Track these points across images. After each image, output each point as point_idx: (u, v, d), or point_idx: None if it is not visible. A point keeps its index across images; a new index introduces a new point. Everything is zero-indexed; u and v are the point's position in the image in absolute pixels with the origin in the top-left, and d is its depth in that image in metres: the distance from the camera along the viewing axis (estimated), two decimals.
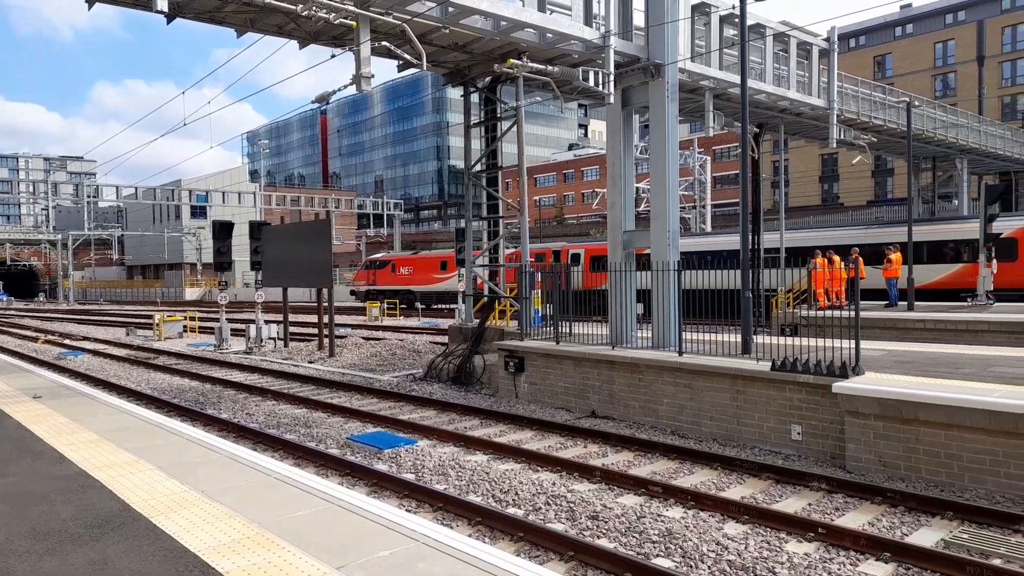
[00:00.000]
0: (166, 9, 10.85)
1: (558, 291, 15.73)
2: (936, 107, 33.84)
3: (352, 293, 50.77)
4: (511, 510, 8.42)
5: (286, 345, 25.71)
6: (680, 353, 13.10)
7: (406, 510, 8.51)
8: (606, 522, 7.87)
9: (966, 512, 7.98)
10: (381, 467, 10.32)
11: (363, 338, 26.79)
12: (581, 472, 9.93)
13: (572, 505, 8.41)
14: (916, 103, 27.18)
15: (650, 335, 14.76)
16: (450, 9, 13.14)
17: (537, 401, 15.20)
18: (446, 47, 15.66)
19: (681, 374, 12.56)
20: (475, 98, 19.16)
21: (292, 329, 29.82)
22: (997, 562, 6.68)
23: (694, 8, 17.17)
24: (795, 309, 21.78)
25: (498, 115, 18.31)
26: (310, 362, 22.51)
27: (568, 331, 15.95)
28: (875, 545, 7.10)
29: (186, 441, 8.33)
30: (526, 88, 17.22)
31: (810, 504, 8.60)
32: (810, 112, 22.81)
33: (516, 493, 8.94)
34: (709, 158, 45.76)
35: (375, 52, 13.03)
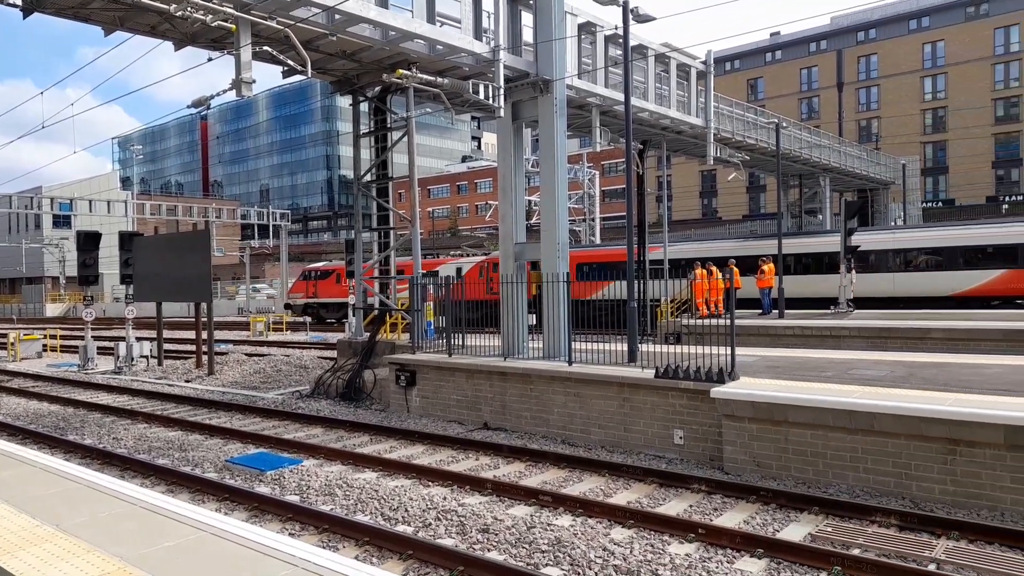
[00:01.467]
0: (20, 3, 9.98)
1: (451, 303, 15.67)
2: (802, 128, 36.47)
3: (287, 307, 45.97)
4: (400, 528, 8.25)
5: (160, 363, 24.18)
6: (570, 363, 13.34)
7: (289, 534, 8.17)
8: (497, 534, 7.85)
9: (830, 507, 8.54)
10: (263, 490, 9.86)
11: (246, 354, 25.64)
12: (472, 485, 9.88)
13: (463, 519, 8.34)
14: (784, 124, 29.15)
15: (542, 345, 14.95)
16: (337, 16, 12.88)
17: (429, 415, 15.03)
18: (334, 55, 15.33)
19: (571, 383, 12.79)
20: (365, 107, 18.85)
21: (168, 346, 28.10)
22: (856, 552, 7.18)
23: (581, 27, 17.68)
24: (678, 318, 22.71)
25: (388, 125, 18.09)
26: (187, 381, 21.27)
27: (461, 343, 15.92)
28: (750, 542, 7.46)
29: (41, 471, 7.61)
30: (417, 99, 17.12)
31: (691, 506, 8.94)
32: (689, 130, 23.97)
33: (406, 510, 8.77)
34: (598, 172, 47.15)
35: (257, 57, 12.55)
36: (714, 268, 23.23)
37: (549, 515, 8.67)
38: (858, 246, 26.04)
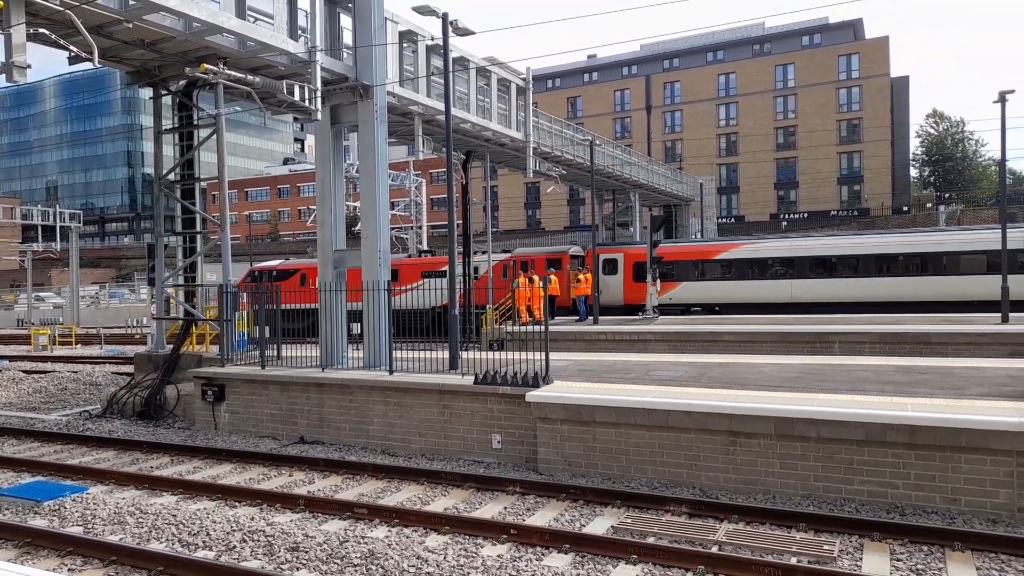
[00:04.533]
0: None
1: (263, 311, 14.92)
2: (615, 147, 38.96)
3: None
4: (201, 553, 7.70)
5: None
6: (391, 372, 13.21)
7: (68, 569, 7.35)
8: (307, 552, 7.57)
9: (631, 499, 9.16)
10: (38, 523, 8.76)
11: (24, 371, 22.71)
12: (284, 503, 9.46)
13: (271, 539, 7.95)
14: (599, 142, 30.95)
15: (363, 355, 14.67)
16: (131, 2, 11.83)
17: (240, 431, 14.18)
18: (130, 43, 14.05)
19: (391, 392, 12.66)
20: (169, 101, 17.47)
21: None
22: (652, 540, 7.76)
23: (402, 35, 17.63)
24: (501, 325, 23.29)
25: (195, 122, 16.89)
26: None
27: (276, 354, 15.21)
28: (558, 538, 7.81)
29: None
30: (228, 96, 16.14)
31: (506, 508, 9.18)
32: (511, 143, 24.73)
33: (208, 534, 8.19)
34: (425, 180, 47.23)
35: (35, 39, 11.20)
36: (535, 276, 24.10)
37: (364, 528, 8.51)
38: (661, 257, 28.25)
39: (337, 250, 15.44)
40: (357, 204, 34.27)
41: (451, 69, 15.26)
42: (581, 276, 25.94)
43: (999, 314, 19.50)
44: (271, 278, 34.12)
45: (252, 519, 8.74)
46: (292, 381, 13.70)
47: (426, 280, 31.11)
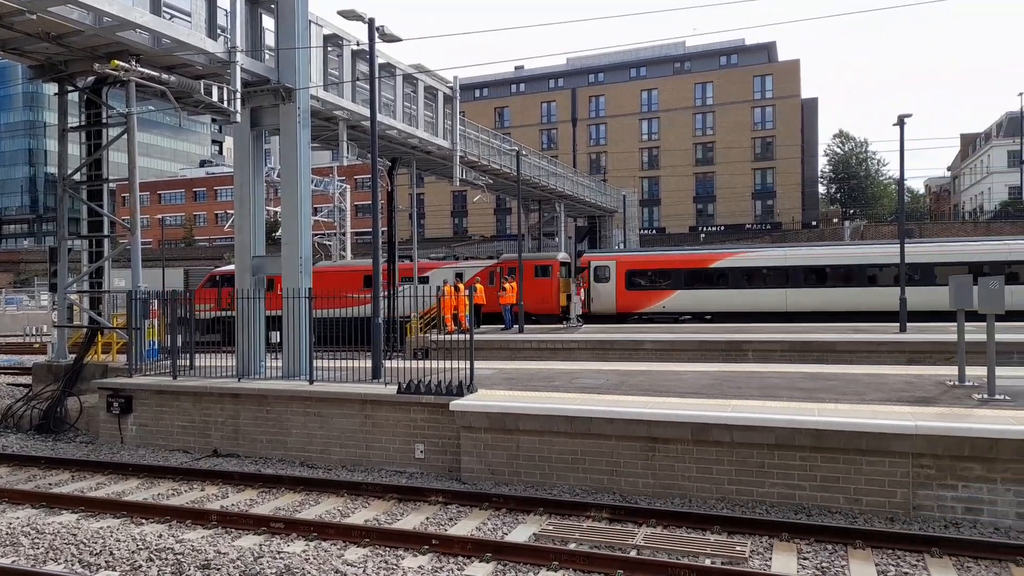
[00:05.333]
0: None
1: (174, 319, 14.32)
2: (542, 158, 39.45)
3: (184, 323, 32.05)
4: (103, 574, 7.29)
5: None
6: (311, 381, 12.91)
7: None
8: (219, 569, 7.28)
9: (554, 506, 9.23)
10: None
11: None
12: (195, 518, 9.08)
13: (180, 557, 7.60)
14: (525, 153, 31.30)
15: (281, 364, 14.27)
16: None
17: (149, 445, 13.53)
18: (34, 35, 13.31)
19: (311, 403, 12.36)
20: (76, 98, 16.60)
21: None
22: (572, 546, 7.84)
23: (327, 38, 17.36)
24: (426, 334, 23.11)
25: (104, 120, 16.10)
26: None
27: (189, 364, 14.62)
28: (480, 547, 7.79)
29: None
30: (141, 95, 15.47)
31: (428, 518, 9.09)
32: (437, 151, 24.68)
33: (111, 553, 7.76)
34: (350, 186, 46.50)
35: None
36: (461, 285, 24.06)
37: (281, 543, 8.25)
38: (584, 267, 28.70)
39: (256, 256, 14.99)
40: (278, 209, 33.18)
41: (377, 75, 15.11)
42: (507, 285, 26.06)
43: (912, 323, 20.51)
44: (234, 283, 32.12)
45: (160, 536, 8.35)
46: (206, 392, 13.19)
47: (406, 286, 30.11)
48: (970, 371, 11.62)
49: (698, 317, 27.37)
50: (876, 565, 7.29)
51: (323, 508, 9.61)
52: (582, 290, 27.45)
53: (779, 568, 7.28)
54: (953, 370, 11.98)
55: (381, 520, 9.08)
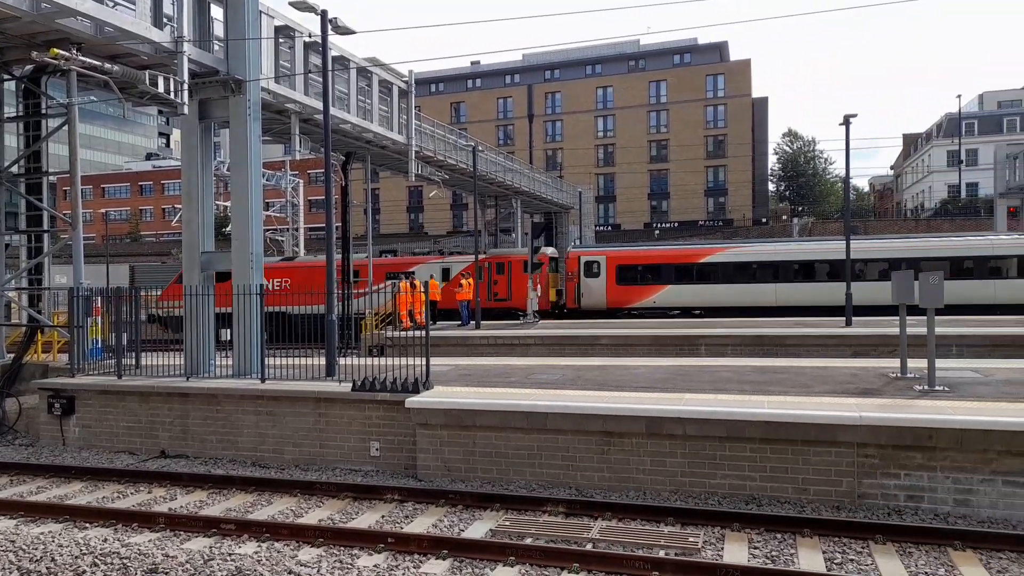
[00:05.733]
0: None
1: (119, 317, 13.89)
2: (498, 153, 39.38)
3: (154, 320, 26.19)
4: None
5: None
6: (263, 380, 12.67)
7: None
8: (167, 573, 7.10)
9: (510, 502, 9.24)
10: None
11: None
12: (142, 521, 8.84)
13: (126, 561, 7.38)
14: (481, 148, 31.17)
15: (232, 363, 13.97)
16: None
17: (93, 447, 13.10)
18: None
19: (263, 401, 12.13)
20: (12, 87, 15.93)
21: None
22: (529, 541, 7.87)
23: (278, 29, 17.00)
24: (382, 331, 22.90)
25: (43, 111, 15.48)
26: None
27: (135, 363, 14.21)
28: (437, 545, 7.75)
29: None
30: (83, 85, 14.93)
31: (383, 516, 9.01)
32: (392, 146, 24.41)
33: (53, 559, 7.50)
34: (303, 181, 45.73)
35: None
36: (417, 281, 23.88)
37: (232, 544, 8.08)
38: (542, 263, 28.81)
39: (205, 252, 14.62)
40: (228, 204, 32.51)
41: (330, 68, 14.87)
42: (464, 281, 25.99)
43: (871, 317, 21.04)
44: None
45: (105, 541, 8.10)
46: (153, 391, 12.83)
47: (390, 282, 29.60)
48: (912, 363, 12.03)
49: (687, 312, 27.14)
50: (824, 553, 7.49)
51: (276, 508, 9.45)
52: (538, 287, 27.53)
53: (731, 558, 7.42)
54: (896, 362, 12.38)
55: (336, 519, 8.97)
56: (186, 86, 13.17)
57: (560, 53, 75.41)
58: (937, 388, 10.61)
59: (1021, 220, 33.40)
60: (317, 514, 9.18)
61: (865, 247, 26.80)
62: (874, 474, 8.84)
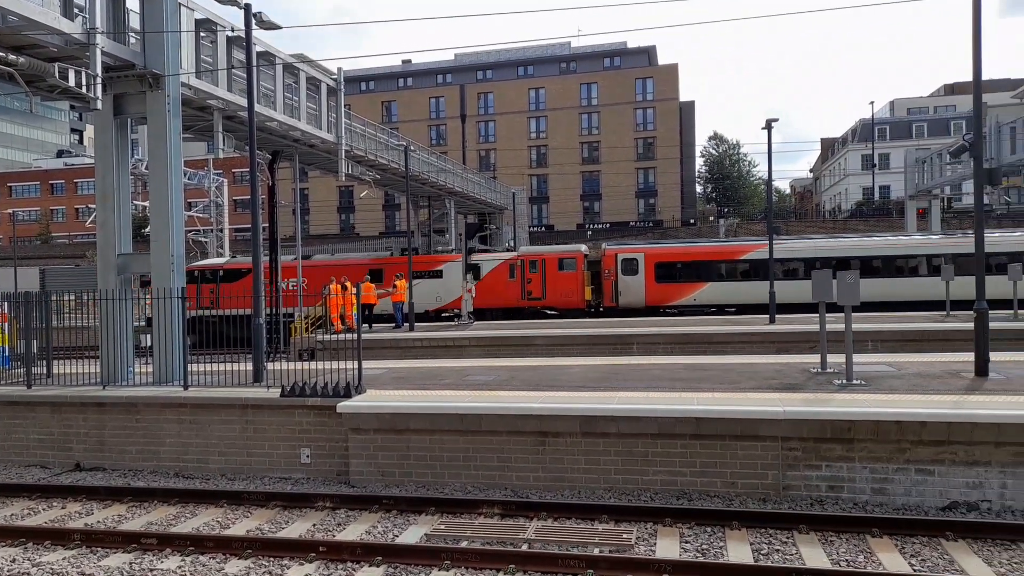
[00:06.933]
0: None
1: (28, 323, 13.11)
2: (431, 153, 39.09)
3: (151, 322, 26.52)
4: None
5: None
6: (186, 387, 12.18)
7: None
8: None
9: (446, 505, 9.15)
10: None
11: None
12: (55, 539, 8.35)
13: None
14: (414, 148, 30.88)
15: (152, 370, 13.38)
16: None
17: (0, 461, 12.32)
18: None
19: (186, 410, 11.66)
20: None
21: None
22: (464, 544, 7.81)
23: (199, 23, 16.37)
24: (312, 334, 22.40)
25: None
26: None
27: (47, 371, 13.44)
28: (370, 551, 7.60)
29: None
30: None
31: (315, 525, 8.78)
32: (321, 144, 23.89)
33: None
34: (227, 180, 44.30)
35: None
36: (348, 283, 23.46)
37: (153, 559, 7.73)
38: (478, 264, 28.78)
39: (122, 254, 13.96)
40: (147, 204, 31.12)
41: (255, 63, 14.44)
42: (397, 283, 25.69)
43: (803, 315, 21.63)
44: (217, 279, 28.87)
45: (13, 561, 7.62)
46: (66, 401, 12.16)
47: (417, 281, 28.74)
48: (831, 358, 12.54)
49: (721, 310, 26.75)
50: (751, 544, 7.71)
51: (201, 520, 9.08)
52: (473, 287, 27.45)
53: (663, 553, 7.55)
54: (818, 358, 12.89)
55: (264, 529, 8.69)
56: (100, 80, 12.54)
57: (492, 54, 75.55)
58: (855, 382, 11.10)
59: (929, 221, 35.35)
60: (245, 525, 8.87)
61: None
62: (797, 466, 9.16)
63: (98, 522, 9.13)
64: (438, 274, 29.57)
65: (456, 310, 28.83)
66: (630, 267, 28.84)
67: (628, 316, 26.66)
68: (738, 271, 28.05)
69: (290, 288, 26.54)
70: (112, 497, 10.10)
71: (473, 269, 29.61)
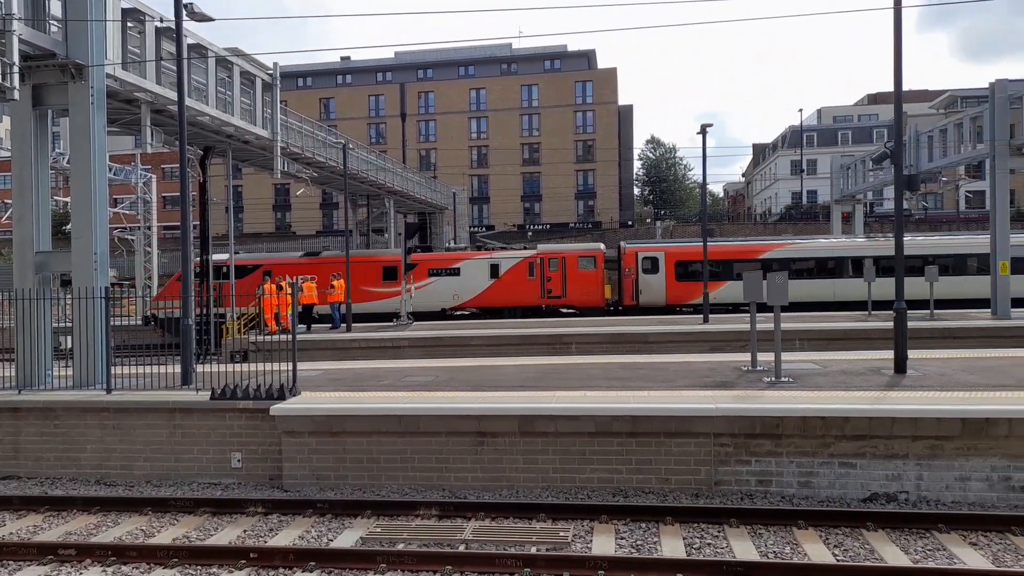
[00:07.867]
0: None
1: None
2: (370, 152, 38.58)
3: (150, 321, 26.58)
4: None
5: None
6: (109, 390, 11.68)
7: None
8: None
9: (382, 508, 9.03)
10: None
11: None
12: None
13: None
14: (352, 146, 30.42)
15: (72, 373, 12.77)
16: None
17: None
18: None
19: (109, 414, 11.18)
20: None
21: None
22: (401, 547, 7.73)
23: (126, 12, 15.74)
24: (246, 335, 21.79)
25: None
26: None
27: None
28: (303, 557, 7.44)
29: None
30: None
31: (245, 531, 8.54)
32: (256, 141, 23.28)
33: None
34: (156, 176, 42.64)
35: None
36: (284, 282, 22.93)
37: (71, 571, 7.39)
38: (415, 264, 28.51)
39: (40, 252, 13.28)
40: (69, 200, 29.60)
41: (186, 56, 13.96)
42: (335, 282, 25.27)
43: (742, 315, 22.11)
44: (221, 275, 26.56)
45: None
46: None
47: (434, 279, 27.69)
48: (761, 356, 12.95)
49: (736, 309, 26.42)
50: (684, 539, 7.88)
51: (124, 529, 8.72)
52: (411, 288, 27.22)
53: (599, 549, 7.64)
54: (748, 356, 13.28)
55: (192, 537, 8.40)
56: (16, 69, 11.89)
57: (433, 53, 75.12)
58: (783, 380, 11.48)
59: (853, 224, 36.86)
60: (171, 532, 8.56)
61: (916, 244, 27.78)
62: (729, 462, 9.42)
63: (11, 533, 8.66)
64: (455, 272, 29.21)
65: (473, 309, 28.66)
66: (651, 266, 28.92)
67: (648, 314, 26.80)
68: (761, 270, 28.67)
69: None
70: (27, 507, 9.59)
71: (492, 267, 29.46)
